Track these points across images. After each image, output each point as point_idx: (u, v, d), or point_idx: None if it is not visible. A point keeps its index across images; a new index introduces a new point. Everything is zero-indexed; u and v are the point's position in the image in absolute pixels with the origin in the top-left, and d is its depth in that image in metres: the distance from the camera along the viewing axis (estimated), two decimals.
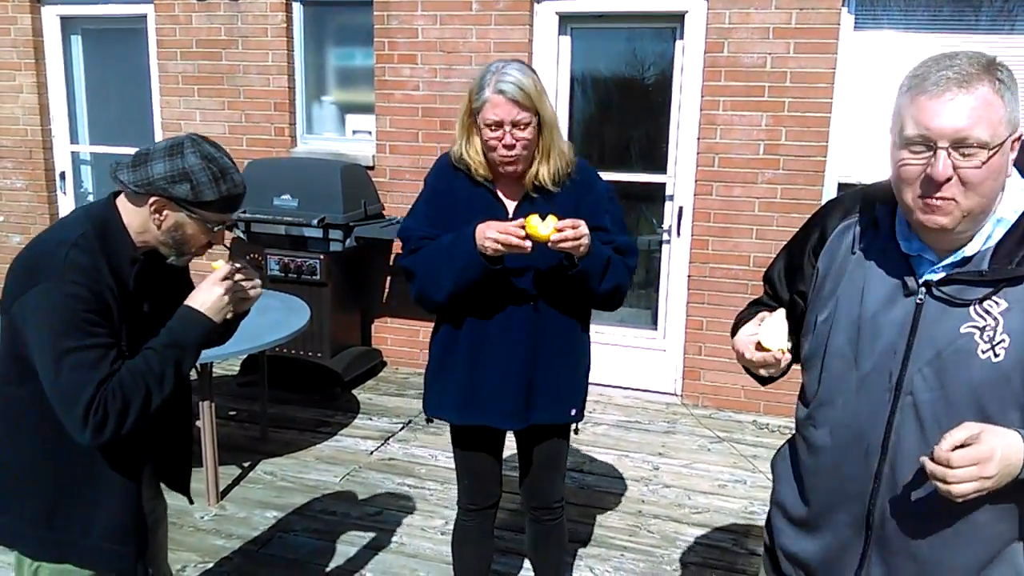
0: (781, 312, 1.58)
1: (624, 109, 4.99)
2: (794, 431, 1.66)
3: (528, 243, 2.08)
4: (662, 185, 4.88)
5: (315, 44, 5.45)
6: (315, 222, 4.61)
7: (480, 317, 2.29)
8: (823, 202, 4.59)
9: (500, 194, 2.29)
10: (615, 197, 2.40)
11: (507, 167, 2.21)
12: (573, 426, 2.48)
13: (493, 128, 2.16)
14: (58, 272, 1.60)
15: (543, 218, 2.08)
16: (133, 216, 1.74)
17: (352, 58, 5.47)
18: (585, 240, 2.10)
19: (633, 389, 5.02)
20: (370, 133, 5.37)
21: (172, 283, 1.88)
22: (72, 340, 1.59)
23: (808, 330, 1.54)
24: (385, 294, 5.39)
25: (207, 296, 1.75)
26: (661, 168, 4.86)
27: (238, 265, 1.80)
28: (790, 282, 1.63)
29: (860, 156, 4.57)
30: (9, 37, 5.83)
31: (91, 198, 6.13)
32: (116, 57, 5.90)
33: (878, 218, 1.51)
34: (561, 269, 2.21)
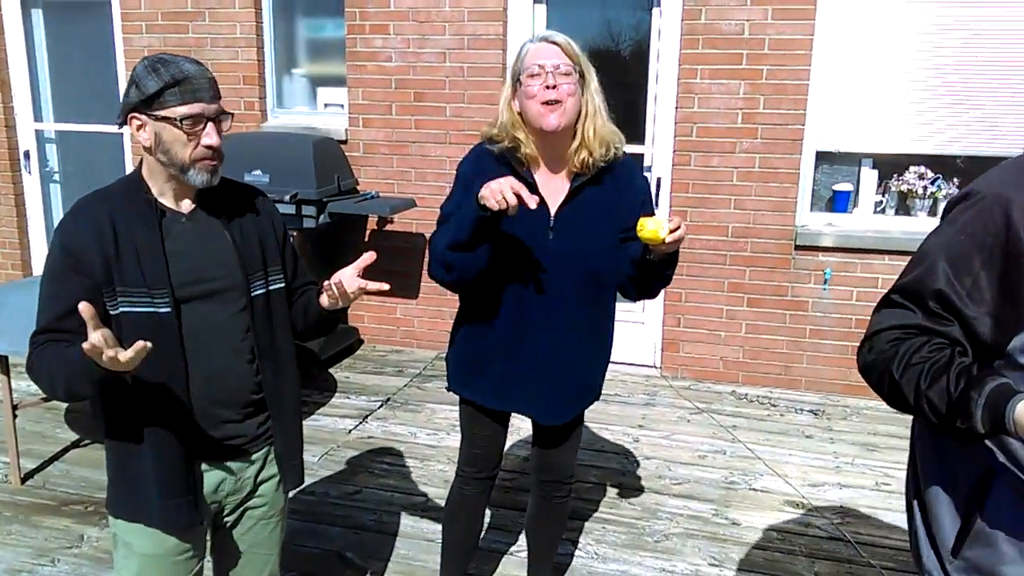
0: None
1: (602, 79, 4.91)
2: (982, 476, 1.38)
3: (662, 232, 1.95)
4: (640, 156, 4.82)
5: (284, 15, 5.32)
6: (287, 198, 4.52)
7: (514, 308, 2.23)
8: (800, 171, 4.60)
9: (539, 182, 2.18)
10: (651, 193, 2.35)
11: (549, 116, 2.08)
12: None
13: (536, 74, 2.08)
14: (55, 233, 1.75)
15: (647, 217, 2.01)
16: (145, 160, 1.77)
17: (323, 29, 5.35)
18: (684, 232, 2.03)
19: (613, 362, 4.97)
20: (342, 106, 5.27)
21: (258, 222, 1.90)
22: (43, 288, 1.72)
23: None
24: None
25: (90, 339, 1.55)
26: (639, 139, 4.81)
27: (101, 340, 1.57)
28: (1006, 297, 1.30)
29: (839, 125, 4.54)
30: None
31: (57, 177, 5.99)
32: (79, 31, 5.73)
33: None
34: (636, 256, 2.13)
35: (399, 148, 5.10)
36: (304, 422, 4.08)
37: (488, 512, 3.05)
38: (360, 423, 4.19)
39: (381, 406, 4.41)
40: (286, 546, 3.06)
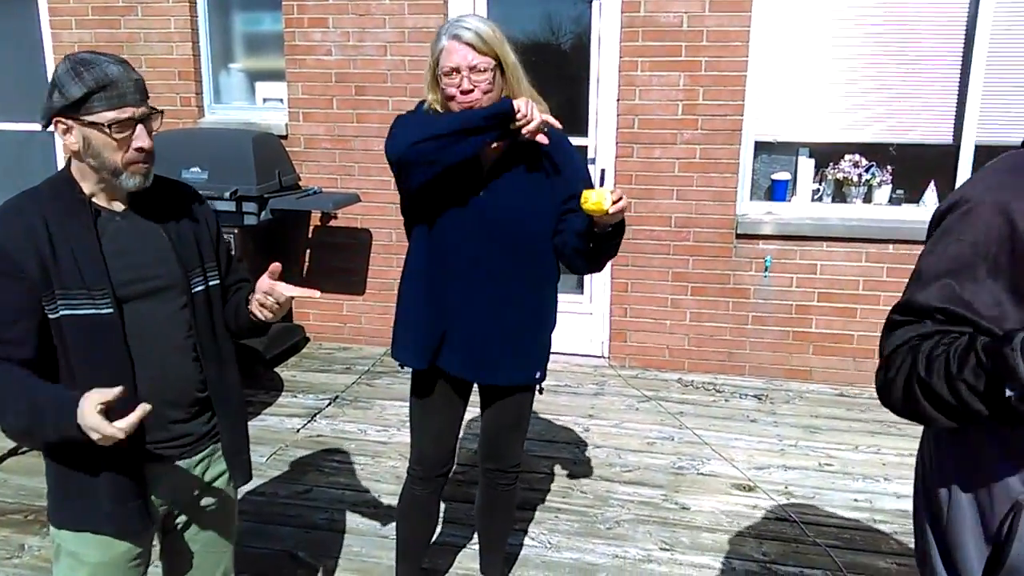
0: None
1: (543, 72, 4.88)
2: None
3: (605, 205, 2.00)
4: (584, 148, 4.85)
5: (220, 9, 5.21)
6: (227, 195, 4.44)
7: (449, 268, 2.26)
8: (740, 161, 4.68)
9: (481, 154, 2.21)
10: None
11: None
12: (538, 388, 2.48)
13: (450, 75, 2.11)
14: None
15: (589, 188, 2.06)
16: (73, 162, 1.71)
17: (260, 23, 5.26)
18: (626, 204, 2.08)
19: (561, 353, 5.02)
20: (281, 101, 5.19)
21: (191, 219, 1.86)
22: None
23: None
24: (306, 268, 5.25)
25: (91, 424, 1.53)
26: (582, 131, 4.84)
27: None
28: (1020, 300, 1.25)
29: (776, 115, 4.64)
30: None
31: None
32: (4, 27, 5.53)
33: None
34: (549, 224, 2.20)
35: (341, 143, 5.04)
36: (251, 422, 4.05)
37: (442, 506, 3.05)
38: (308, 422, 4.14)
39: (329, 404, 4.36)
40: (236, 547, 3.03)
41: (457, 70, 2.10)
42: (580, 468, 3.69)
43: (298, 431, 4.04)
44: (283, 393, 4.50)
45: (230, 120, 5.18)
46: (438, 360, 2.33)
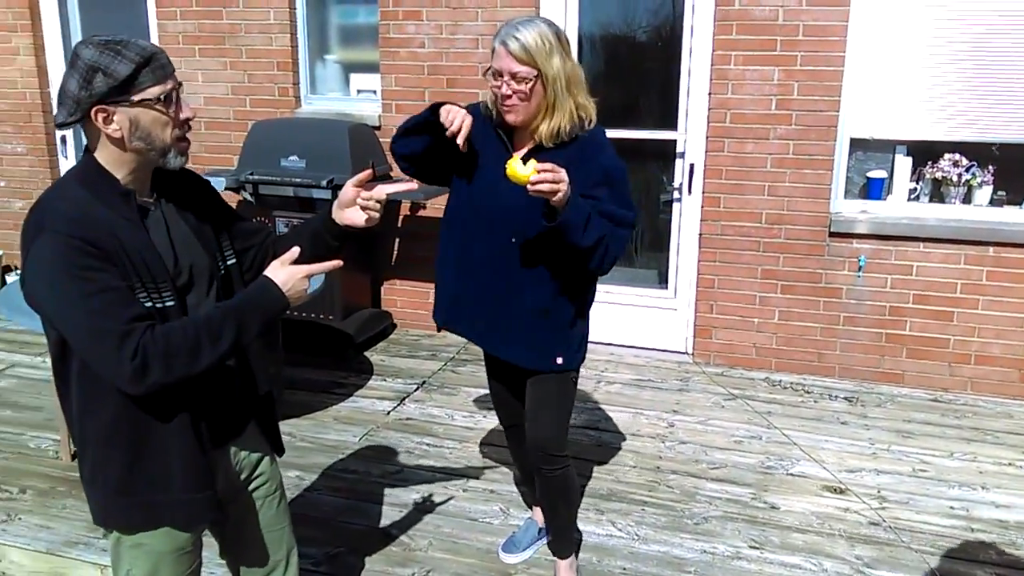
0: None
1: (634, 65, 4.93)
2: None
3: (514, 174, 2.13)
4: (673, 142, 4.83)
5: (318, 1, 5.35)
6: (324, 183, 4.56)
7: (466, 240, 2.49)
8: (834, 158, 4.59)
9: (511, 143, 2.42)
10: (623, 176, 2.42)
11: (506, 115, 2.34)
12: (572, 375, 2.59)
13: (496, 77, 2.30)
14: (46, 229, 1.54)
15: (525, 162, 2.16)
16: (103, 150, 1.64)
17: (355, 15, 5.38)
18: (563, 187, 2.14)
19: (644, 348, 5.03)
20: (375, 92, 5.30)
21: (199, 200, 1.85)
22: (81, 288, 1.52)
23: None
24: (394, 256, 5.36)
25: (292, 278, 1.71)
26: (672, 125, 4.81)
27: (330, 265, 1.80)
28: None
29: (873, 111, 4.53)
30: None
31: None
32: (114, 17, 5.77)
33: None
34: (541, 217, 2.25)
35: None
36: (343, 403, 4.19)
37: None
38: (398, 405, 4.24)
39: (417, 389, 4.45)
40: (331, 522, 3.13)
41: (500, 74, 2.28)
42: (666, 463, 3.69)
43: (388, 414, 4.13)
44: (373, 376, 4.61)
45: (325, 110, 5.31)
46: (455, 325, 2.62)
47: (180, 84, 1.67)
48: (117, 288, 1.55)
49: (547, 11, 4.81)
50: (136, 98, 1.58)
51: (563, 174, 2.15)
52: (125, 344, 1.52)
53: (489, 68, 2.33)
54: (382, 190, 1.95)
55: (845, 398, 4.44)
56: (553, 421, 2.61)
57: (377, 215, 1.95)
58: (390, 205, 5.14)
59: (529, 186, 2.12)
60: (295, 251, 1.78)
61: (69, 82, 1.57)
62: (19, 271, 5.95)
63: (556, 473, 2.64)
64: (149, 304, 1.62)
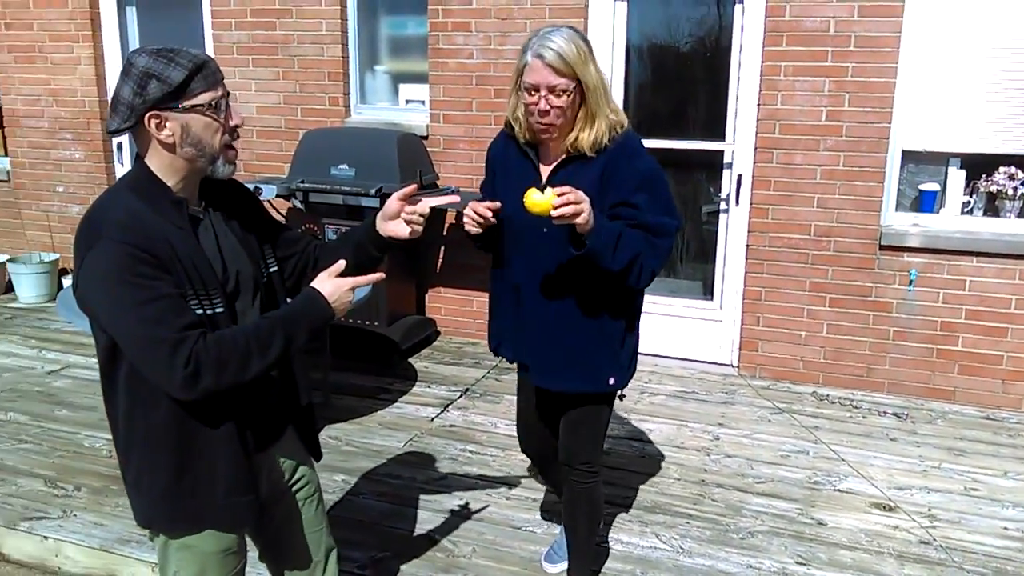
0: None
1: (682, 76, 4.92)
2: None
3: (532, 207, 2.06)
4: (720, 153, 4.81)
5: (368, 13, 5.43)
6: (372, 191, 4.62)
7: (508, 267, 2.43)
8: (886, 170, 4.52)
9: (538, 160, 2.34)
10: (660, 179, 2.32)
11: (541, 133, 2.25)
12: (618, 394, 2.53)
13: (531, 92, 2.18)
14: (103, 237, 1.57)
15: (542, 191, 2.07)
16: (155, 157, 1.67)
17: (405, 27, 5.45)
18: (585, 208, 2.05)
19: (688, 360, 4.99)
20: (423, 102, 5.36)
21: (244, 209, 1.88)
22: (135, 295, 1.55)
23: None
24: (439, 264, 5.40)
25: (338, 290, 1.75)
26: (719, 136, 4.79)
27: (375, 277, 1.83)
28: None
29: (926, 123, 4.46)
30: (67, 9, 5.89)
31: None
32: (171, 28, 5.93)
33: None
34: (568, 245, 2.18)
35: (479, 144, 5.15)
36: (388, 409, 4.23)
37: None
38: (441, 412, 4.27)
39: (460, 396, 4.48)
40: (376, 526, 3.17)
41: (536, 89, 2.16)
42: (711, 476, 3.66)
43: (432, 420, 4.16)
44: (417, 383, 4.65)
45: (374, 120, 5.38)
46: (506, 352, 2.56)
47: (229, 93, 1.71)
48: (171, 296, 1.58)
49: (595, 21, 4.83)
50: (188, 103, 1.62)
51: (582, 194, 2.06)
52: (178, 352, 1.56)
53: (517, 83, 2.23)
54: (426, 204, 1.98)
55: (894, 414, 4.36)
56: (591, 435, 2.55)
57: (420, 228, 1.98)
58: (435, 214, 5.21)
59: (553, 214, 2.03)
60: (341, 264, 1.81)
61: (123, 89, 1.61)
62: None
63: (586, 484, 2.58)
64: (200, 311, 1.65)
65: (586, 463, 2.56)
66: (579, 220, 2.06)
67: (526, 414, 2.76)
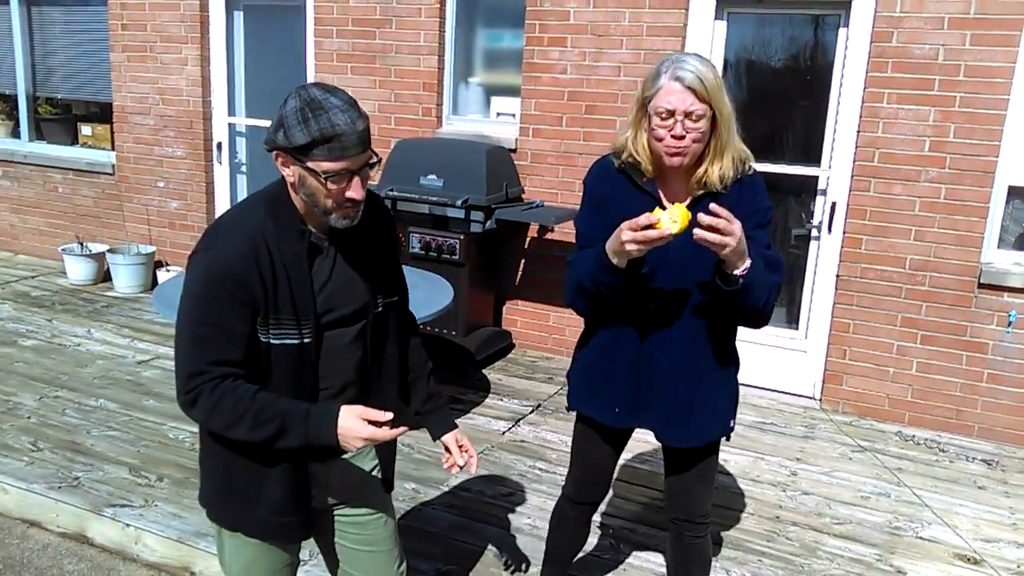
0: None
1: (779, 98, 4.81)
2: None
3: (669, 228, 1.91)
4: (815, 178, 4.68)
5: (466, 25, 5.49)
6: (459, 202, 4.66)
7: (644, 319, 2.20)
8: (989, 205, 4.32)
9: (663, 197, 2.17)
10: (771, 221, 2.24)
11: (672, 158, 2.06)
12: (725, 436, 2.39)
13: (664, 116, 2.02)
14: (213, 247, 1.67)
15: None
16: (286, 184, 1.73)
17: (501, 39, 5.49)
18: (738, 232, 1.90)
19: (769, 390, 4.87)
20: (514, 116, 5.39)
21: (378, 238, 1.88)
22: (200, 313, 1.67)
23: None
24: (518, 277, 5.42)
25: (351, 432, 1.68)
26: (815, 161, 4.67)
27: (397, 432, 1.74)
28: None
29: None
30: (178, 12, 6.15)
31: (244, 169, 6.42)
32: (275, 34, 6.13)
33: None
34: (715, 279, 2.04)
35: (566, 159, 5.16)
36: (461, 419, 4.26)
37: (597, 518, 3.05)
38: (513, 426, 4.27)
39: (532, 411, 4.47)
40: (444, 538, 3.18)
41: (672, 113, 2.02)
42: (787, 513, 3.56)
43: (503, 434, 4.17)
44: (490, 395, 4.67)
45: (465, 131, 5.44)
46: (628, 421, 2.31)
47: (368, 163, 1.67)
48: (230, 330, 1.67)
49: (693, 40, 4.77)
50: (306, 164, 1.63)
51: (737, 224, 1.89)
52: (192, 379, 1.69)
53: (639, 112, 2.12)
54: (471, 464, 2.04)
55: (984, 460, 4.16)
56: (708, 491, 2.40)
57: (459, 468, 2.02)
58: (518, 227, 5.22)
59: (696, 232, 1.88)
60: (383, 415, 1.71)
61: (275, 115, 1.65)
62: (170, 268, 6.38)
63: (700, 538, 2.42)
64: (287, 341, 1.71)
65: (704, 515, 2.42)
66: (725, 251, 1.92)
67: (599, 458, 2.43)
